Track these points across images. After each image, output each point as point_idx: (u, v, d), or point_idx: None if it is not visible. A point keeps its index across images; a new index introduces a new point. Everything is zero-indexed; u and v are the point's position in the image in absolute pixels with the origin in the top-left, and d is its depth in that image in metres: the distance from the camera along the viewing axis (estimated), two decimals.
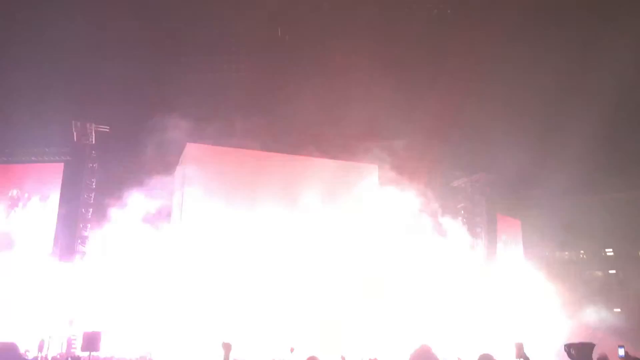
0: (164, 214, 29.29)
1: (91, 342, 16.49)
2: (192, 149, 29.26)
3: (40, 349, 22.19)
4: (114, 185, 27.38)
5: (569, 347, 6.72)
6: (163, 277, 29.31)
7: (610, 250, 37.60)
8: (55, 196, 26.50)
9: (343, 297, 29.56)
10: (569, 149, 29.54)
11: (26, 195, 26.75)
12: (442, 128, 32.46)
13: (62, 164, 26.36)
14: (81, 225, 26.60)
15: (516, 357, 10.63)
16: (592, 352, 6.72)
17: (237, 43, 30.85)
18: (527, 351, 12.58)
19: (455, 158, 31.54)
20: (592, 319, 30.65)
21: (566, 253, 39.03)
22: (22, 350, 16.27)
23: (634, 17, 27.40)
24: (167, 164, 29.14)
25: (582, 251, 38.57)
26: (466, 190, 32.88)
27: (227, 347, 7.99)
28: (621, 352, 10.25)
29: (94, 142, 26.82)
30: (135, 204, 27.15)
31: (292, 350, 21.34)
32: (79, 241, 26.71)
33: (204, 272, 27.43)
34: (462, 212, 32.96)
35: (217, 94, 30.32)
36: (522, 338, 14.64)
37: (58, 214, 26.10)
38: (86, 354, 17.06)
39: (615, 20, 29.02)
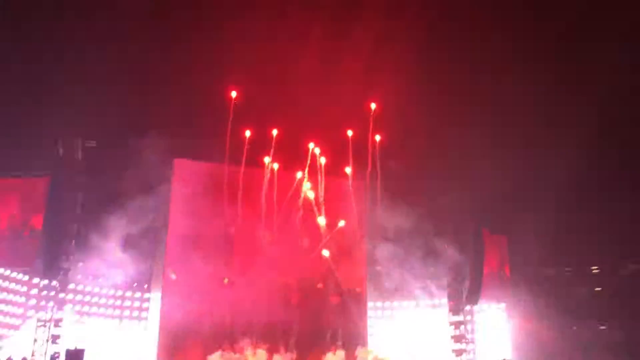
0: (151, 229, 29.14)
1: (74, 359, 16.30)
2: (180, 165, 29.23)
3: None
4: (100, 201, 27.18)
5: None
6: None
7: (596, 267, 37.81)
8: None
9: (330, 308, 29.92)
10: (555, 166, 29.93)
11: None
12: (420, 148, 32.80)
13: (48, 179, 25.99)
14: (66, 241, 26.40)
15: None
16: None
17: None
18: None
19: (441, 174, 31.63)
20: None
21: (551, 269, 39.20)
22: None
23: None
24: (154, 179, 29.10)
25: (567, 268, 38.74)
26: (452, 207, 32.92)
27: None
28: None
29: (80, 157, 26.69)
30: (122, 219, 27.01)
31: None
32: (64, 257, 26.51)
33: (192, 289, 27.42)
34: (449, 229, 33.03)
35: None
36: None
37: (42, 229, 25.71)
38: None
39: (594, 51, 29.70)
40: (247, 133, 29.03)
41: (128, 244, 27.29)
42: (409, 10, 30.51)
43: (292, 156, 30.51)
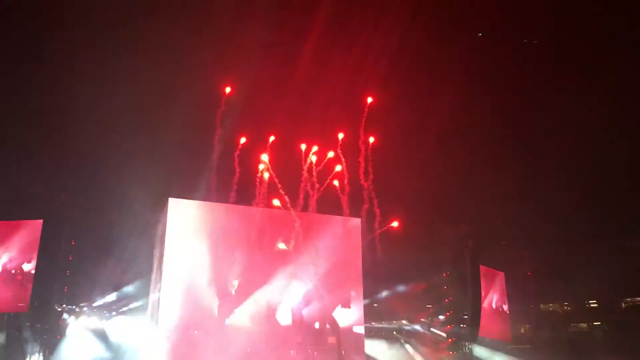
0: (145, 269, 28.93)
1: None
2: (174, 204, 29.07)
3: None
4: (93, 245, 27.02)
5: None
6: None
7: (594, 301, 37.67)
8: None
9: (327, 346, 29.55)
10: (553, 203, 29.91)
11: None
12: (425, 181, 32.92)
13: (40, 222, 25.80)
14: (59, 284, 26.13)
15: None
16: None
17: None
18: None
19: (439, 210, 31.63)
20: None
21: (550, 305, 39.00)
22: None
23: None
24: (149, 219, 29.07)
25: (566, 303, 38.59)
26: (450, 243, 32.86)
27: None
28: None
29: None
30: (116, 262, 26.80)
31: None
32: (57, 299, 26.25)
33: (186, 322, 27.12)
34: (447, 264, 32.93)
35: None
36: None
37: (35, 271, 25.42)
38: None
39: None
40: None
41: (120, 289, 27.07)
42: None
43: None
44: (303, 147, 31.53)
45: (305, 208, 31.27)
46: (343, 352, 29.83)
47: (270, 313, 29.01)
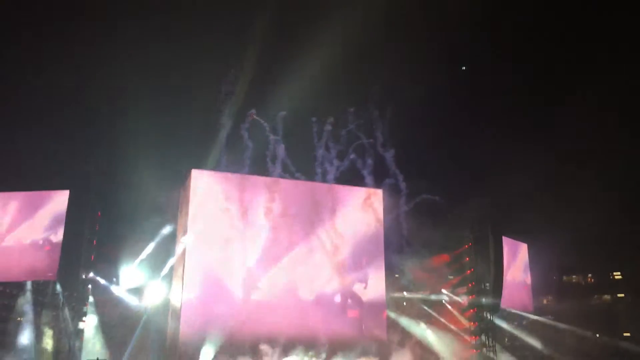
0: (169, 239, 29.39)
1: None
2: (196, 175, 29.32)
3: None
4: (119, 213, 27.41)
5: None
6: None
7: (619, 273, 37.35)
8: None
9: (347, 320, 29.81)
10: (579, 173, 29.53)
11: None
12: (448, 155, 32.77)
13: (67, 192, 26.25)
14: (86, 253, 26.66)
15: None
16: None
17: None
18: None
19: (461, 181, 31.43)
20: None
21: (573, 277, 38.76)
22: None
23: None
24: (172, 190, 29.44)
25: (589, 275, 38.31)
26: (472, 214, 32.67)
27: None
28: None
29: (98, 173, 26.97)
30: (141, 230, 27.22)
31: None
32: (84, 268, 26.80)
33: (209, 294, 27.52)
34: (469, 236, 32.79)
35: None
36: None
37: (63, 241, 25.94)
38: None
39: None
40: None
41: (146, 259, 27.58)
42: None
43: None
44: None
45: (324, 179, 31.32)
46: (364, 326, 29.99)
47: (291, 287, 29.21)
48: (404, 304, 33.55)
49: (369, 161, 31.79)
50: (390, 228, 31.92)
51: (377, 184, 32.54)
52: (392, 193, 32.08)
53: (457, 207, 32.01)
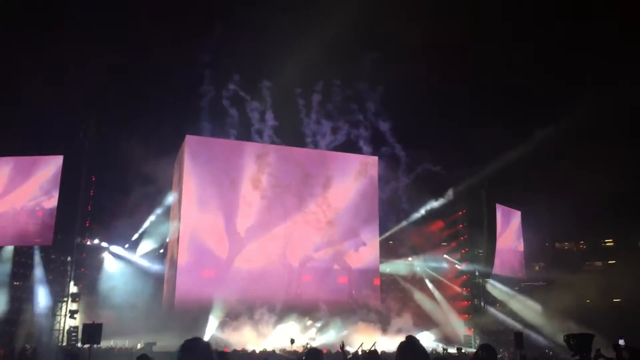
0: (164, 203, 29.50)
1: (91, 334, 16.48)
2: (191, 141, 29.29)
3: None
4: (114, 178, 27.39)
5: (568, 338, 6.69)
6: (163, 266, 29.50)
7: (610, 240, 37.77)
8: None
9: (337, 286, 29.96)
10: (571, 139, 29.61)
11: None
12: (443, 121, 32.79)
13: (61, 157, 26.11)
14: (81, 219, 26.67)
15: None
16: (591, 343, 6.69)
17: None
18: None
19: (456, 149, 31.49)
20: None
21: (566, 244, 39.16)
22: None
23: None
24: (166, 155, 29.44)
25: (581, 242, 38.74)
26: (466, 181, 32.86)
27: None
28: (621, 342, 10.28)
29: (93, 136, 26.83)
30: (135, 196, 27.24)
31: (292, 342, 21.60)
32: (80, 233, 26.84)
33: (204, 261, 27.65)
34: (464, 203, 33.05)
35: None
36: None
37: (58, 206, 25.87)
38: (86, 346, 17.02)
39: None
40: None
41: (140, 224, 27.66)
42: None
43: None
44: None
45: (317, 146, 31.29)
46: (353, 291, 30.25)
47: (284, 254, 29.39)
48: (399, 270, 33.98)
49: (363, 131, 31.61)
50: (386, 195, 32.17)
51: (372, 153, 32.58)
52: (388, 161, 32.18)
53: (452, 175, 32.22)
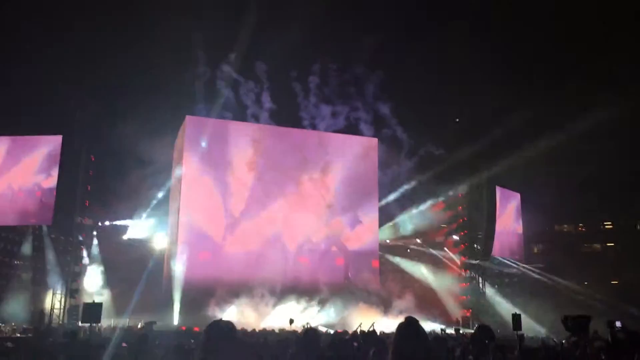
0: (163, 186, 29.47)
1: (92, 313, 16.56)
2: (191, 122, 29.21)
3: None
4: (113, 159, 27.32)
5: (565, 319, 6.72)
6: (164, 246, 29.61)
7: (610, 223, 37.90)
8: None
9: (334, 268, 30.08)
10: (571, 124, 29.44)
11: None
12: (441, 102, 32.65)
13: (60, 136, 26.04)
14: (80, 199, 26.69)
15: None
16: (588, 324, 6.72)
17: None
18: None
19: (456, 131, 31.33)
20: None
21: (565, 226, 39.28)
22: None
23: None
24: (166, 136, 29.35)
25: (580, 224, 38.86)
26: (466, 164, 32.79)
27: None
28: (618, 324, 10.35)
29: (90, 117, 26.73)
30: (135, 177, 27.22)
31: (291, 322, 21.72)
32: (79, 213, 26.89)
33: (203, 242, 27.73)
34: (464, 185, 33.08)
35: None
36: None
37: (57, 185, 25.86)
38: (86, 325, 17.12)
39: None
40: None
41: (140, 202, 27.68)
42: None
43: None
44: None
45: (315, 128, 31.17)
46: (350, 273, 30.34)
47: (278, 235, 29.41)
48: (400, 251, 34.18)
49: (363, 113, 31.43)
50: (386, 177, 32.13)
51: (373, 135, 32.45)
52: (389, 144, 32.09)
53: (452, 157, 32.11)
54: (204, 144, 28.70)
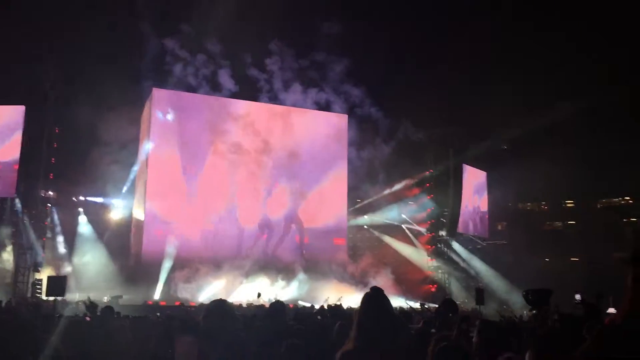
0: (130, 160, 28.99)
1: (56, 286, 16.34)
2: (158, 94, 28.74)
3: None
4: (78, 131, 26.66)
5: (527, 293, 6.91)
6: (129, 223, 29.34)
7: (571, 201, 38.89)
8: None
9: (300, 245, 30.45)
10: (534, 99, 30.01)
11: None
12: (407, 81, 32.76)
13: (22, 107, 25.31)
14: (44, 171, 26.15)
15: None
16: (549, 298, 6.92)
17: None
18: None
19: (422, 109, 31.43)
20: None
21: (528, 204, 40.19)
22: None
23: None
24: (132, 110, 28.83)
25: (543, 202, 39.81)
26: (433, 141, 33.16)
27: None
28: (577, 297, 10.74)
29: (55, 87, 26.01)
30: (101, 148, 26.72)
31: (259, 295, 21.86)
32: (43, 186, 26.40)
33: (171, 218, 27.54)
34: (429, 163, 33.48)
35: None
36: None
37: (20, 157, 25.19)
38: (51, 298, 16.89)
39: None
40: None
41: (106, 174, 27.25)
42: None
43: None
44: None
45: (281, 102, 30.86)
46: (304, 251, 30.43)
47: (231, 210, 29.35)
48: (365, 227, 34.50)
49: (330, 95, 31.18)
50: (355, 154, 32.17)
51: (341, 111, 32.34)
52: (358, 120, 32.10)
53: (420, 134, 32.38)
54: (169, 117, 28.32)
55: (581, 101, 27.95)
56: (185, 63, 28.50)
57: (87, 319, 9.05)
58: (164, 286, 25.77)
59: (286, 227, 30.47)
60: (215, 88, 29.29)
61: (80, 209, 28.91)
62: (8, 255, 25.41)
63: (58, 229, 27.82)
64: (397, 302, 26.10)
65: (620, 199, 37.85)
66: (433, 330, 6.58)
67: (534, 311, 6.97)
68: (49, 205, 27.27)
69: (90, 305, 7.85)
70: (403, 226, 34.03)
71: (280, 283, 27.32)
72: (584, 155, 32.00)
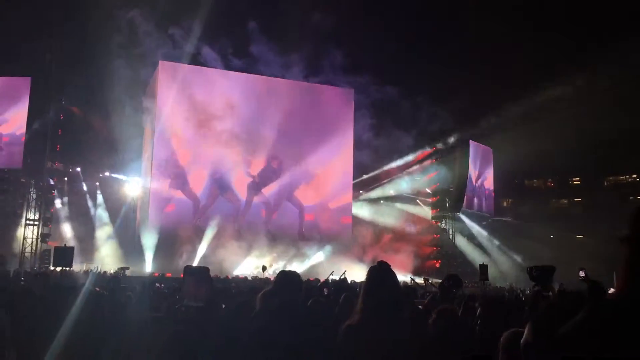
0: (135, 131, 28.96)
1: (63, 257, 16.50)
2: (165, 67, 28.56)
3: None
4: (85, 103, 26.67)
5: (530, 269, 6.91)
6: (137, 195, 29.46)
7: (577, 179, 38.73)
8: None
9: (307, 220, 30.45)
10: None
11: None
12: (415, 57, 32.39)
13: (29, 78, 25.23)
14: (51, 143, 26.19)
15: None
16: (553, 275, 6.91)
17: None
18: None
19: (430, 85, 31.19)
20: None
21: (534, 181, 40.08)
22: None
23: None
24: (139, 82, 28.63)
25: (549, 179, 39.67)
26: (440, 117, 32.92)
27: None
28: (581, 274, 10.76)
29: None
30: (107, 121, 26.72)
31: (264, 269, 22.05)
32: (50, 157, 26.46)
33: (173, 190, 27.67)
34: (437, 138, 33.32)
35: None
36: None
37: (27, 128, 25.22)
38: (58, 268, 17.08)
39: None
40: None
41: (113, 148, 27.26)
42: None
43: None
44: None
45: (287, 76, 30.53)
46: (304, 229, 30.51)
47: (252, 185, 29.49)
48: (373, 204, 34.52)
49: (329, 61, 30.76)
50: (360, 129, 31.98)
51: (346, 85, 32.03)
52: (363, 95, 31.81)
53: (427, 109, 32.14)
54: (176, 91, 28.16)
55: (589, 78, 27.68)
56: (191, 38, 28.08)
57: (97, 289, 9.11)
58: (166, 259, 25.98)
59: (290, 202, 30.52)
60: (222, 63, 28.99)
61: (86, 183, 29.01)
62: (16, 227, 25.64)
63: (65, 199, 27.99)
64: (402, 277, 26.23)
65: (627, 176, 37.65)
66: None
67: (537, 287, 6.99)
68: (55, 176, 27.31)
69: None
70: (408, 204, 34.09)
71: (284, 257, 27.50)
72: (592, 133, 31.77)
